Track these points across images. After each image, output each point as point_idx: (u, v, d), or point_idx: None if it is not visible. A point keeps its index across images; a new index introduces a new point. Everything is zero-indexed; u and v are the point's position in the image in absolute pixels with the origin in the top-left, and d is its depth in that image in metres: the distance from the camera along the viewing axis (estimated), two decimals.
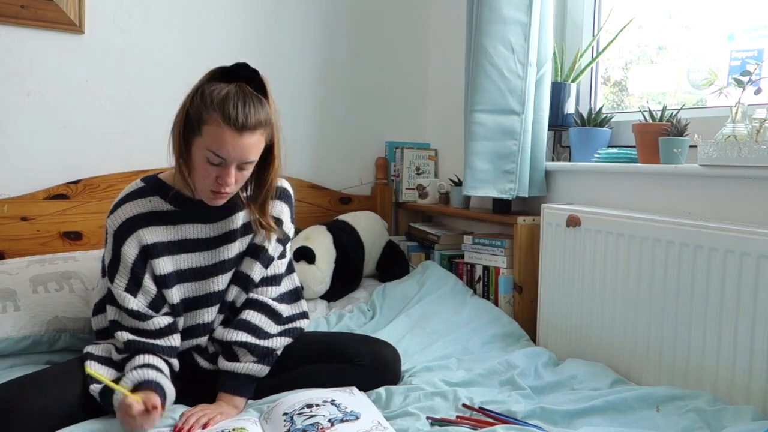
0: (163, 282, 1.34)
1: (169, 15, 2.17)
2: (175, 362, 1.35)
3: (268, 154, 1.35)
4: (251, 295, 1.45)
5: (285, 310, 1.49)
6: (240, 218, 1.41)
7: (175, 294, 1.36)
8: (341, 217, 2.36)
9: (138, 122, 2.13)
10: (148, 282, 1.33)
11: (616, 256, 1.61)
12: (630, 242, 1.57)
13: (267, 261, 1.45)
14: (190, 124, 1.28)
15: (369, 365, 1.45)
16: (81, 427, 1.18)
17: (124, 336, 1.30)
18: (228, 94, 1.26)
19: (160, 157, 2.10)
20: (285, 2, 2.40)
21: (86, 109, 2.05)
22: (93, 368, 1.25)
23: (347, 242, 2.22)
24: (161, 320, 1.33)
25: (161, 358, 1.31)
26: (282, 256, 1.49)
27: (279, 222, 1.45)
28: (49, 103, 1.99)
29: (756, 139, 1.40)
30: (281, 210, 1.47)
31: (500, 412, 1.33)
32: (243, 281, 1.44)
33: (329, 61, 2.52)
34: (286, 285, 1.53)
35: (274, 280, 1.48)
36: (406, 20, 2.69)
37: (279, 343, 1.43)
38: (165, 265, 1.35)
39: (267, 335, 1.42)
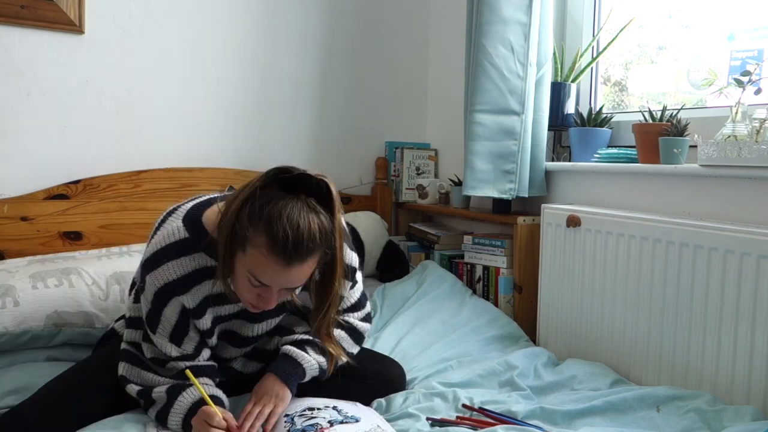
0: (206, 333, 1.29)
1: (170, 15, 2.17)
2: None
3: (329, 270, 1.19)
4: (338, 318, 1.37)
5: (366, 329, 1.42)
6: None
7: (214, 339, 1.32)
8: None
9: (138, 122, 2.12)
10: (192, 332, 1.26)
11: (616, 256, 1.60)
12: (630, 242, 1.57)
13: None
14: (235, 236, 1.11)
15: (375, 384, 1.43)
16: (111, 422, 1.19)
17: (180, 365, 1.25)
18: (281, 214, 1.06)
19: (160, 156, 2.14)
20: (285, 3, 2.40)
21: (86, 109, 2.04)
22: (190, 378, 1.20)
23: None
24: (205, 353, 1.30)
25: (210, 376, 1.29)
26: (353, 286, 1.39)
27: (353, 270, 1.35)
28: (49, 103, 1.98)
29: (756, 139, 1.40)
30: (351, 258, 1.35)
31: (500, 412, 1.33)
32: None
33: (329, 61, 2.52)
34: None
35: (354, 308, 1.41)
36: (406, 20, 2.68)
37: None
38: (206, 320, 1.27)
39: (344, 351, 1.36)
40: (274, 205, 1.07)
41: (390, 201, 2.64)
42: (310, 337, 1.34)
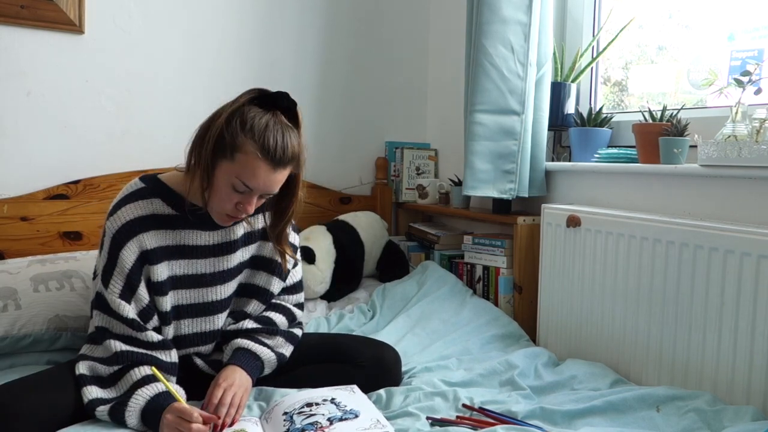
0: (157, 289, 1.31)
1: (169, 15, 2.17)
2: (173, 380, 1.30)
3: (291, 183, 1.33)
4: (273, 300, 1.48)
5: (300, 315, 1.52)
6: (241, 228, 1.41)
7: (168, 301, 1.34)
8: (341, 217, 2.36)
9: (138, 122, 2.13)
10: (142, 290, 1.30)
11: (616, 256, 1.61)
12: (630, 242, 1.57)
13: (284, 274, 1.47)
14: (222, 145, 1.23)
15: (370, 367, 1.45)
16: (79, 428, 1.17)
17: (117, 346, 1.25)
18: (268, 125, 1.23)
19: (160, 156, 2.13)
20: (285, 3, 2.40)
21: (86, 109, 2.04)
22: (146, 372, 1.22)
23: (347, 242, 2.22)
24: (154, 335, 1.30)
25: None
26: (295, 265, 1.52)
27: (296, 249, 1.48)
28: (49, 103, 1.98)
29: (756, 139, 1.40)
30: (295, 238, 1.49)
31: (500, 412, 1.33)
32: (263, 295, 1.45)
33: (329, 61, 2.52)
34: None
35: (294, 289, 1.52)
36: (406, 20, 2.69)
37: (287, 350, 1.44)
38: (162, 271, 1.32)
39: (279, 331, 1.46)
40: (260, 118, 1.23)
41: (390, 201, 2.64)
42: (259, 325, 1.42)
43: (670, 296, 1.47)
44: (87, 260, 1.76)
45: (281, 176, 1.26)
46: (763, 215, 1.43)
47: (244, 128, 1.22)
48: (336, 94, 2.55)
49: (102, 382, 1.25)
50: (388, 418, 1.27)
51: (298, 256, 1.53)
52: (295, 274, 1.52)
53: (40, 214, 1.93)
